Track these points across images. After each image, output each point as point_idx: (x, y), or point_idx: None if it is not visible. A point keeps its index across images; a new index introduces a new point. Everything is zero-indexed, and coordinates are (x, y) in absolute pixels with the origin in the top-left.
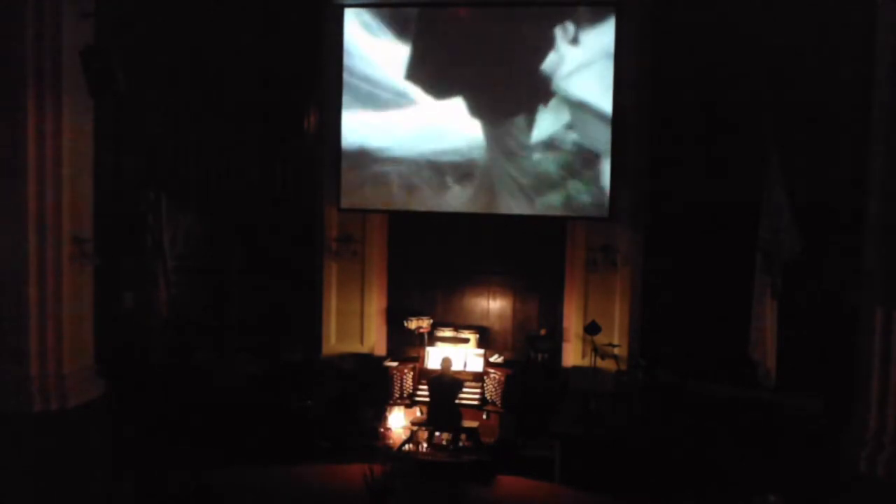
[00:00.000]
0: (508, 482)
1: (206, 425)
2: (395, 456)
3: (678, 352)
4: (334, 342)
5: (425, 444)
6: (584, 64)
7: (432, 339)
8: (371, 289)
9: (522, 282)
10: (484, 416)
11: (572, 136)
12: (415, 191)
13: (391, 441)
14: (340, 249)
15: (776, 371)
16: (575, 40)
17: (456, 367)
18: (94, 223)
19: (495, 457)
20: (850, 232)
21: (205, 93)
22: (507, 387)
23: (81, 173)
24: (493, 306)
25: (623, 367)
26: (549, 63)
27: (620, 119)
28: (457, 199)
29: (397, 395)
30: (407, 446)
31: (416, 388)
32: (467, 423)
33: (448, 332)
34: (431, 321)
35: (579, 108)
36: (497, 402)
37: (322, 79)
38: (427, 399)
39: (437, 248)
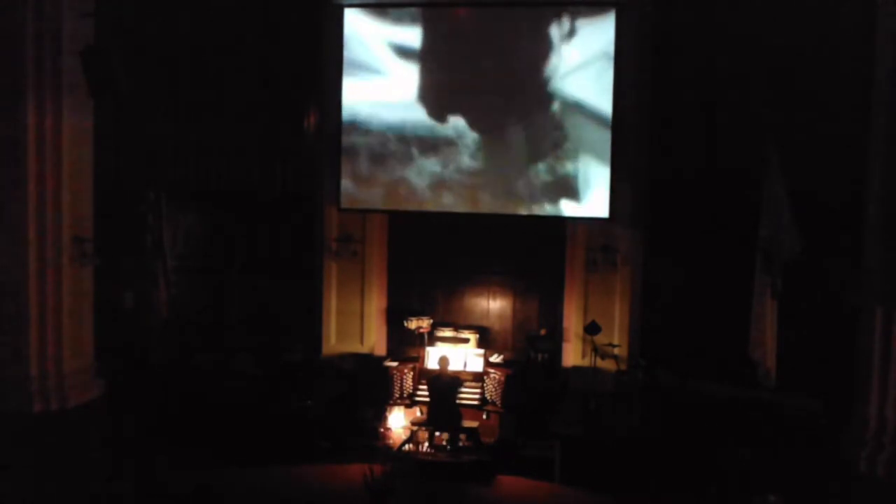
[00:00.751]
0: (508, 482)
1: (206, 425)
2: (395, 456)
3: (678, 352)
4: (334, 342)
5: (425, 445)
6: (584, 64)
7: (432, 339)
8: (371, 289)
9: (522, 282)
10: (484, 416)
11: (572, 136)
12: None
13: (391, 441)
14: (340, 249)
15: (776, 371)
16: (575, 40)
17: (456, 367)
18: (94, 223)
19: (495, 457)
20: (850, 232)
21: (205, 93)
22: (507, 387)
23: (81, 173)
24: (493, 306)
25: (623, 367)
26: (548, 63)
27: (620, 119)
28: (457, 199)
29: (397, 395)
30: (407, 446)
31: (416, 388)
32: (467, 423)
33: (448, 332)
34: (431, 321)
35: (579, 107)
36: (497, 402)
37: (322, 79)
38: (427, 399)
39: (437, 248)
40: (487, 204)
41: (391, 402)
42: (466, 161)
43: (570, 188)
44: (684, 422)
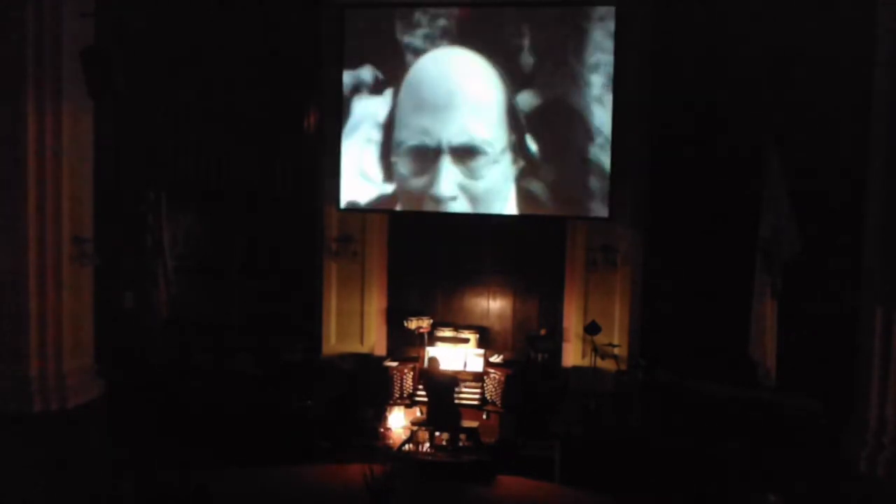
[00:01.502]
0: (508, 482)
1: (206, 425)
2: (395, 456)
3: (678, 352)
4: (334, 342)
5: (425, 445)
6: (583, 63)
7: (432, 339)
8: (371, 289)
9: (522, 282)
10: (484, 416)
11: (572, 136)
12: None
13: (391, 441)
14: (340, 249)
15: (776, 371)
16: (575, 40)
17: (456, 367)
18: (94, 223)
19: (495, 457)
20: (850, 232)
21: (204, 93)
22: (507, 387)
23: (81, 173)
24: (493, 306)
25: (623, 367)
26: (548, 63)
27: (620, 119)
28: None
29: (397, 395)
30: (407, 446)
31: (416, 388)
32: (467, 423)
33: (448, 332)
34: (431, 321)
35: (579, 107)
36: (497, 402)
37: (322, 79)
38: (426, 399)
39: (437, 248)
40: (487, 204)
41: (391, 402)
42: (467, 161)
43: (570, 188)
44: (684, 422)
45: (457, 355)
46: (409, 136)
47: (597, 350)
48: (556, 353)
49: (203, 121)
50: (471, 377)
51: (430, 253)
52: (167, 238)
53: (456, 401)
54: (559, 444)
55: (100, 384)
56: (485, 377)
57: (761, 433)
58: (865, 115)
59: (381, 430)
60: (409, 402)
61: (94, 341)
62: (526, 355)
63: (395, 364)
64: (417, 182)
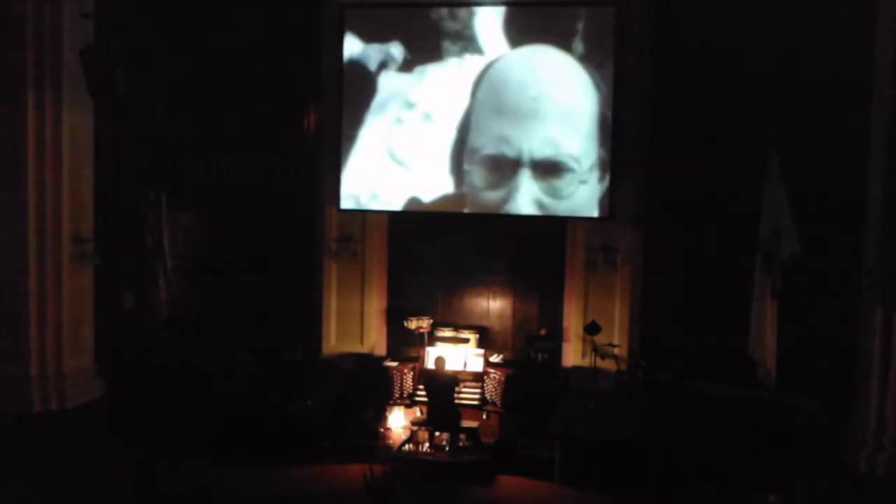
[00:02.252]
0: (508, 482)
1: (206, 425)
2: (395, 456)
3: (678, 352)
4: (334, 342)
5: (425, 445)
6: (583, 63)
7: (432, 339)
8: (371, 289)
9: (522, 282)
10: (484, 416)
11: (572, 136)
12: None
13: (391, 441)
14: (340, 249)
15: (776, 371)
16: (575, 40)
17: (456, 367)
18: (94, 223)
19: (495, 457)
20: (850, 232)
21: (204, 93)
22: (507, 387)
23: (81, 173)
24: (493, 306)
25: (623, 367)
26: (548, 63)
27: (620, 119)
28: (457, 199)
29: (397, 395)
30: (407, 446)
31: (416, 388)
32: (467, 423)
33: (448, 332)
34: (431, 321)
35: (579, 107)
36: (497, 402)
37: (322, 79)
38: (426, 399)
39: (437, 248)
40: (488, 204)
41: (391, 402)
42: (467, 161)
43: (570, 188)
44: (684, 422)
45: (457, 355)
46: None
47: (597, 350)
48: (556, 353)
49: (203, 121)
50: (471, 377)
51: (430, 253)
52: (167, 238)
53: (456, 401)
54: (559, 444)
55: (100, 384)
56: (485, 377)
57: (761, 433)
58: (865, 115)
59: (381, 430)
60: (409, 402)
61: (94, 341)
62: (526, 355)
63: (395, 364)
64: (418, 182)
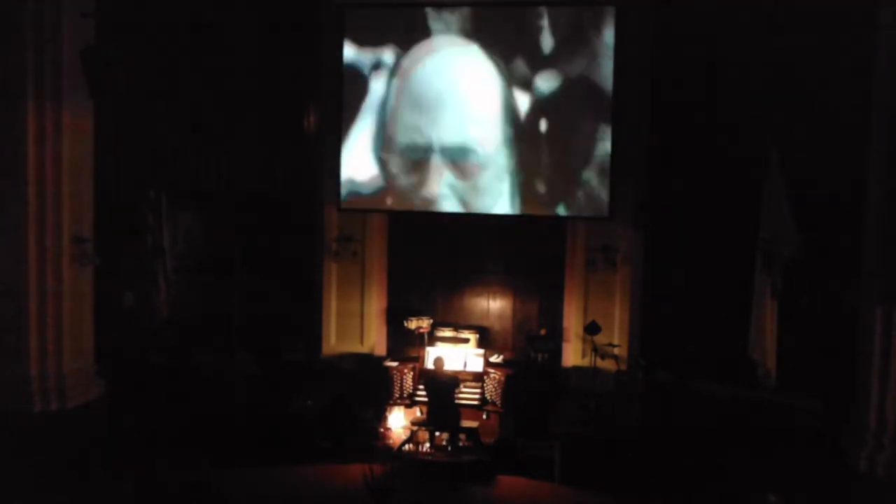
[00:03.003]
0: (508, 482)
1: (206, 425)
2: (395, 456)
3: (678, 352)
4: (334, 342)
5: (425, 445)
6: (584, 63)
7: (432, 339)
8: (371, 289)
9: (522, 282)
10: (484, 416)
11: (572, 136)
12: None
13: (391, 441)
14: (340, 249)
15: (776, 371)
16: (575, 40)
17: (456, 367)
18: (94, 223)
19: (495, 457)
20: (850, 232)
21: (205, 93)
22: (507, 387)
23: (81, 173)
24: (493, 306)
25: (623, 367)
26: (548, 63)
27: (620, 119)
28: (457, 199)
29: (397, 395)
30: (407, 446)
31: (416, 388)
32: (467, 423)
33: (448, 332)
34: (431, 321)
35: (579, 107)
36: (497, 402)
37: (322, 79)
38: (427, 399)
39: (437, 248)
40: (487, 204)
41: (391, 402)
42: (467, 161)
43: (570, 188)
44: (684, 422)
45: (457, 355)
46: (409, 136)
47: (597, 350)
48: (556, 353)
49: (203, 120)
50: (471, 377)
51: (431, 253)
52: (167, 238)
53: (456, 401)
54: (559, 444)
55: (100, 384)
56: (485, 377)
57: (761, 433)
58: (865, 115)
59: (381, 430)
60: (409, 402)
61: (94, 341)
62: (526, 355)
63: (395, 364)
64: (418, 182)
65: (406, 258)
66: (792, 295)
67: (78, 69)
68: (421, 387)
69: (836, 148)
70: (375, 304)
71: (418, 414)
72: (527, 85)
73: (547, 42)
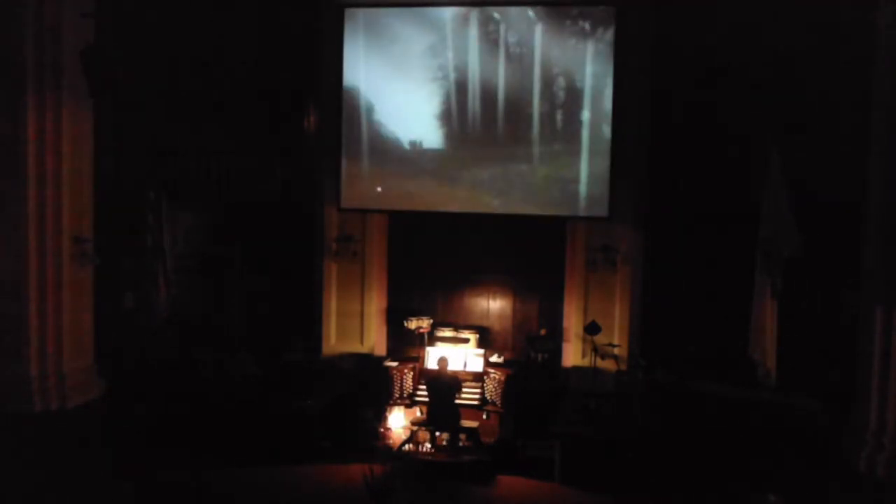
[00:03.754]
0: (508, 482)
1: (206, 425)
2: (395, 456)
3: (678, 352)
4: (334, 342)
5: (425, 445)
6: (584, 64)
7: (432, 339)
8: (371, 289)
9: (522, 282)
10: (484, 416)
11: (572, 136)
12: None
13: (391, 441)
14: (340, 249)
15: (776, 371)
16: (575, 40)
17: (456, 367)
18: (94, 223)
19: (495, 457)
20: (850, 232)
21: (205, 93)
22: (508, 387)
23: (81, 173)
24: (493, 306)
25: (623, 367)
26: (548, 63)
27: (621, 119)
28: (457, 199)
29: (397, 395)
30: (407, 446)
31: (416, 388)
32: (467, 423)
33: (448, 332)
34: (431, 321)
35: (579, 108)
36: (497, 402)
37: (322, 79)
38: (427, 399)
39: (437, 248)
40: (487, 204)
41: (391, 402)
42: (467, 161)
43: (570, 188)
44: (684, 422)
45: (457, 355)
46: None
47: (597, 350)
48: (556, 353)
49: (203, 121)
50: (471, 377)
51: (430, 253)
52: (167, 238)
53: (456, 401)
54: (559, 444)
55: (100, 384)
56: (485, 377)
57: (761, 433)
58: (865, 115)
59: (381, 430)
60: (409, 402)
61: (94, 341)
62: (526, 355)
63: (395, 364)
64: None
65: (406, 258)
66: (792, 295)
67: (78, 69)
68: (421, 386)
69: (836, 148)
70: (375, 304)
71: (418, 414)
72: (527, 84)
73: (547, 42)
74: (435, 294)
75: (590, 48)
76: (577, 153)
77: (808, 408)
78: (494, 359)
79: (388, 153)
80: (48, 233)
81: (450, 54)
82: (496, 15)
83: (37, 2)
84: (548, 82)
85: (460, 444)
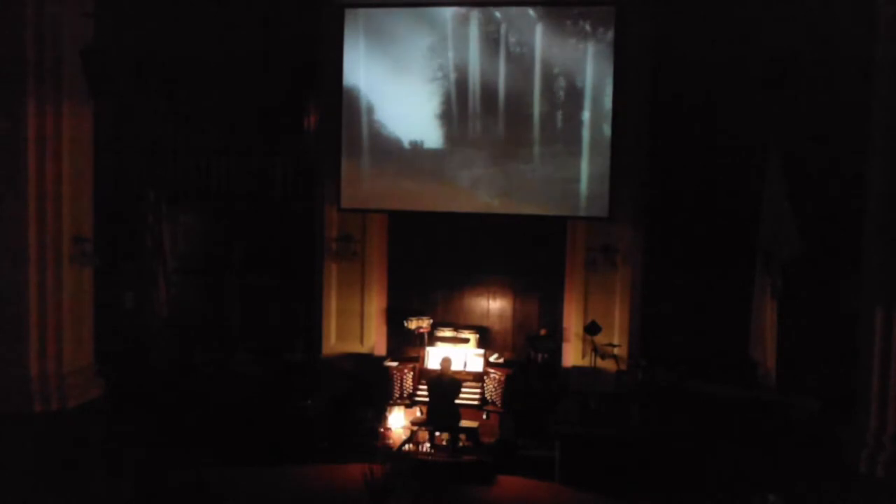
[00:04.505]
0: (508, 482)
1: (206, 425)
2: (395, 456)
3: (678, 352)
4: (334, 342)
5: (425, 445)
6: (584, 64)
7: (432, 339)
8: (371, 289)
9: (522, 282)
10: (484, 416)
11: (572, 136)
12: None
13: (391, 441)
14: (340, 249)
15: (776, 371)
16: (575, 40)
17: (456, 367)
18: (94, 223)
19: (495, 457)
20: (850, 232)
21: (205, 93)
22: (507, 387)
23: (81, 174)
24: (493, 306)
25: (623, 367)
26: (549, 63)
27: (621, 119)
28: (457, 199)
29: (397, 395)
30: (407, 446)
31: (416, 388)
32: (467, 423)
33: (448, 332)
34: (431, 321)
35: (579, 108)
36: (497, 402)
37: (322, 79)
38: (427, 399)
39: (437, 249)
40: (487, 204)
41: (391, 402)
42: (467, 161)
43: (570, 188)
44: (684, 422)
45: (457, 355)
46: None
47: (597, 350)
48: (556, 353)
49: (203, 120)
50: (471, 377)
51: (431, 253)
52: (167, 238)
53: (456, 401)
54: (559, 444)
55: (100, 384)
56: (485, 377)
57: (761, 433)
58: (865, 115)
59: (381, 430)
60: (409, 402)
61: (94, 341)
62: (526, 355)
63: (395, 364)
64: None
65: (406, 258)
66: (792, 295)
67: (78, 69)
68: (421, 386)
69: (836, 148)
70: (375, 304)
71: (418, 414)
72: (527, 84)
73: (547, 42)
74: (435, 294)
75: (590, 48)
76: (578, 153)
77: (808, 408)
78: (494, 359)
79: (389, 153)
80: (48, 233)
81: (450, 54)
82: (496, 15)
83: (37, 2)
84: (548, 82)
85: (460, 444)
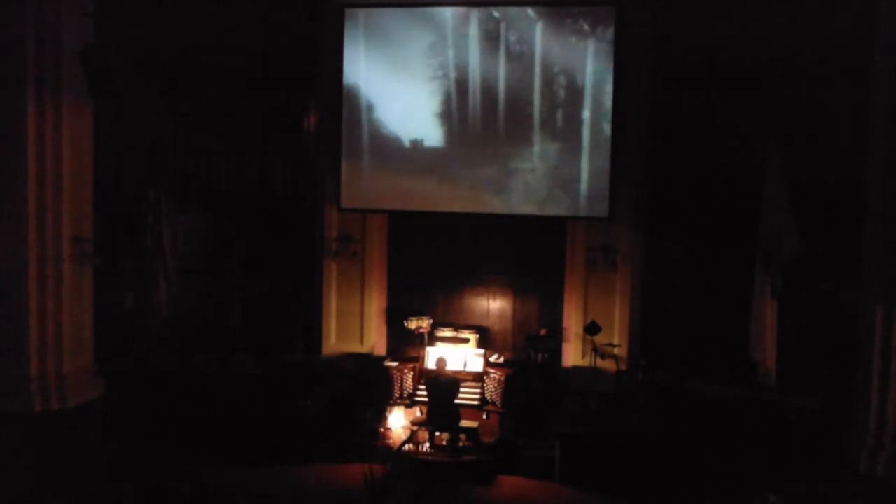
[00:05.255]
0: (508, 482)
1: (206, 425)
2: (395, 456)
3: (678, 352)
4: (334, 342)
5: (425, 445)
6: (584, 63)
7: (432, 339)
8: (371, 289)
9: (522, 282)
10: (484, 416)
11: (572, 135)
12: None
13: (391, 441)
14: (340, 249)
15: (776, 371)
16: (575, 40)
17: (456, 367)
18: (94, 223)
19: (495, 457)
20: (850, 232)
21: (205, 93)
22: (507, 387)
23: (81, 173)
24: (493, 306)
25: (623, 367)
26: (548, 62)
27: (621, 119)
28: (457, 199)
29: (397, 395)
30: (407, 446)
31: (416, 388)
32: (467, 423)
33: (448, 332)
34: (431, 321)
35: (579, 107)
36: (497, 402)
37: (322, 79)
38: (427, 399)
39: (437, 248)
40: (487, 204)
41: (391, 402)
42: (467, 161)
43: (570, 187)
44: (684, 422)
45: (457, 355)
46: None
47: (597, 350)
48: (556, 353)
49: (203, 121)
50: (471, 377)
51: (431, 253)
52: (167, 238)
53: (456, 401)
54: (559, 444)
55: (100, 384)
56: (485, 377)
57: (761, 433)
58: (865, 115)
59: (381, 430)
60: (409, 402)
61: (94, 341)
62: (526, 355)
63: (395, 364)
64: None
65: (406, 258)
66: (792, 295)
67: (78, 69)
68: (421, 386)
69: (836, 148)
70: (375, 304)
71: (418, 414)
72: (527, 83)
73: (547, 41)
74: (435, 294)
75: (590, 47)
76: (578, 152)
77: (808, 408)
78: (494, 359)
79: (389, 152)
80: (48, 233)
81: (450, 53)
82: (496, 14)
83: (37, 2)
84: (548, 81)
85: (460, 444)
